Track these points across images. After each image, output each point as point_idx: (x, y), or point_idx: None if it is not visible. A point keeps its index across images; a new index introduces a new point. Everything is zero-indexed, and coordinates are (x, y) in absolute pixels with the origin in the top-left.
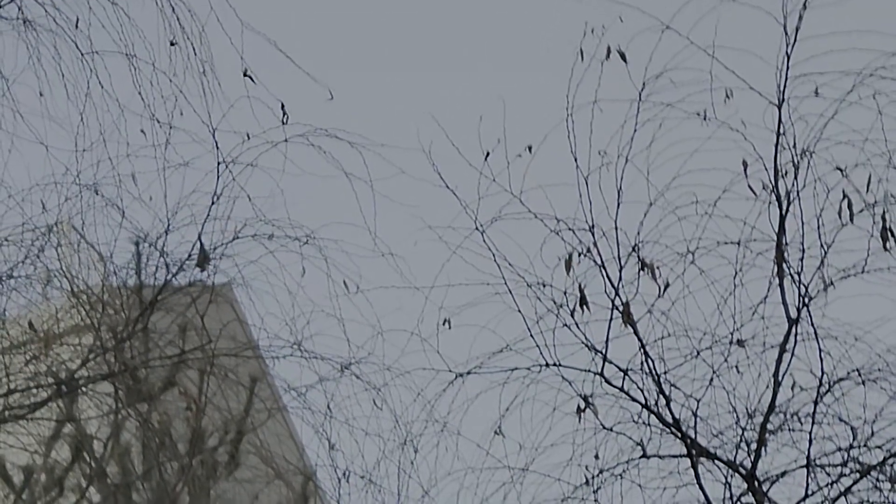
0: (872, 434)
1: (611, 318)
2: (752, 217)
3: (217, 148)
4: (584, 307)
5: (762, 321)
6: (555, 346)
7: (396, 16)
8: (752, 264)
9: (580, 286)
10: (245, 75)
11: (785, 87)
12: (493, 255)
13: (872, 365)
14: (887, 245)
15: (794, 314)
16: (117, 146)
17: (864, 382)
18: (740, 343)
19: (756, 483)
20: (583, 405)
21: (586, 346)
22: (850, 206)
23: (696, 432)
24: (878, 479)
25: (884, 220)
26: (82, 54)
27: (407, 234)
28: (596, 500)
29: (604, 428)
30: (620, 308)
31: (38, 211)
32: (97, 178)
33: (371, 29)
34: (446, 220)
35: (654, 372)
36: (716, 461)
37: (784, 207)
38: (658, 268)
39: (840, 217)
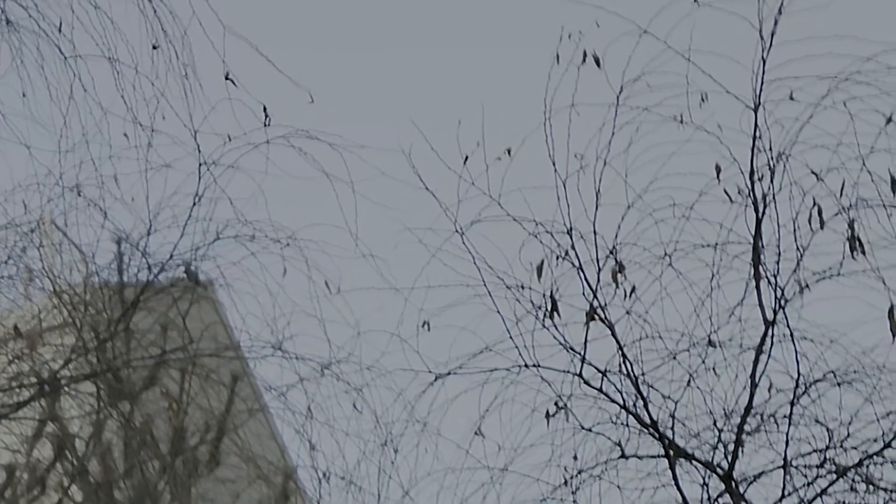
0: (848, 435)
1: (588, 321)
2: (728, 220)
3: (198, 150)
4: (556, 313)
5: (739, 323)
6: (534, 347)
7: (376, 19)
8: (728, 267)
9: (552, 293)
10: (227, 79)
11: (761, 91)
12: (473, 258)
13: (848, 367)
14: (855, 254)
15: (770, 316)
16: (100, 148)
17: (839, 384)
18: (715, 344)
19: (733, 484)
20: (553, 409)
21: (565, 347)
22: (820, 213)
23: (673, 433)
24: (854, 480)
25: (852, 228)
26: (66, 58)
27: (387, 235)
28: (574, 501)
29: (582, 429)
30: (595, 309)
31: (20, 211)
32: (80, 179)
33: (351, 32)
34: (426, 222)
35: (631, 373)
36: (693, 462)
37: (760, 211)
38: (624, 273)
39: (810, 224)
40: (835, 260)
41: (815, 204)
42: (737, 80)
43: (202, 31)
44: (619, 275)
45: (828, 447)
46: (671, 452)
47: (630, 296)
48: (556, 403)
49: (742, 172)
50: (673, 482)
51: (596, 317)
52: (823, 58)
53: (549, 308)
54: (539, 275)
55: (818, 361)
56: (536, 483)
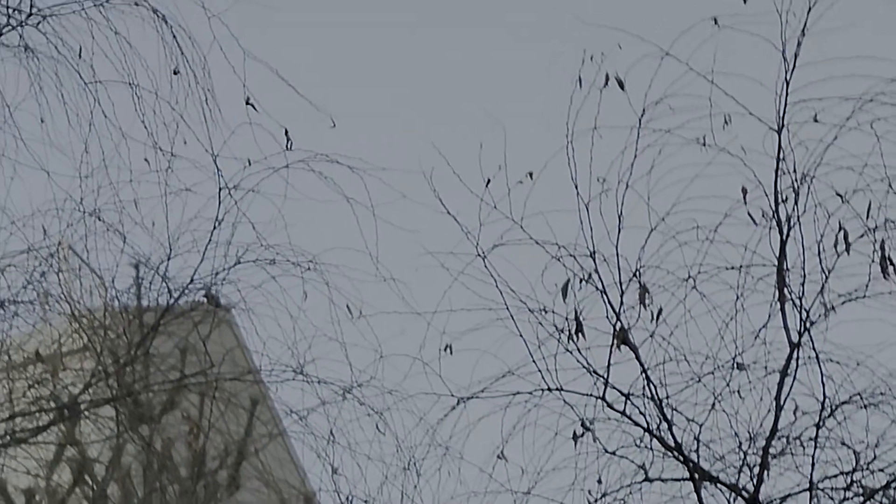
0: (875, 458)
1: (612, 344)
2: (752, 242)
3: (219, 174)
4: (581, 335)
5: (764, 346)
6: (556, 370)
7: (397, 42)
8: (753, 289)
9: (577, 314)
10: (247, 103)
11: (784, 112)
12: (495, 281)
13: (874, 389)
14: (887, 274)
15: (795, 338)
16: (119, 173)
17: (866, 406)
18: (741, 367)
19: None
20: (580, 430)
21: (588, 370)
22: (846, 237)
23: (698, 456)
24: (881, 503)
25: (883, 248)
26: (85, 83)
27: (409, 259)
28: None
29: (606, 452)
30: (623, 331)
31: (40, 236)
32: (99, 203)
33: (372, 56)
34: (448, 245)
35: (655, 396)
36: (718, 485)
37: (784, 233)
38: (650, 294)
39: (836, 248)
40: (860, 282)
41: (840, 228)
42: (760, 101)
43: (222, 56)
44: (646, 296)
45: (854, 470)
46: (696, 475)
47: (657, 318)
48: (582, 424)
49: (766, 194)
50: None
51: (625, 342)
52: (847, 79)
53: (574, 329)
54: (564, 295)
55: (844, 384)
56: None
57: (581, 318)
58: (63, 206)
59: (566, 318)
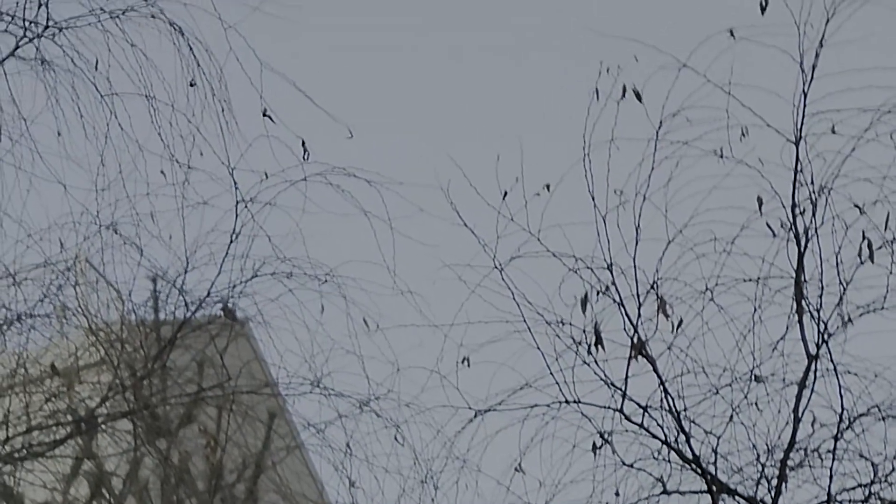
0: (893, 470)
1: (629, 356)
2: (770, 254)
3: (235, 187)
4: (600, 346)
5: (781, 358)
6: (574, 383)
7: (414, 55)
8: (770, 301)
9: (596, 326)
10: (264, 115)
11: (802, 124)
12: (512, 294)
13: (893, 401)
14: None
15: (813, 350)
16: (136, 185)
17: (884, 418)
18: (759, 379)
19: None
20: (599, 442)
21: (605, 383)
22: (869, 245)
23: (716, 468)
24: None
25: None
26: (102, 96)
27: (426, 272)
28: None
29: (624, 464)
30: (642, 343)
31: (56, 250)
32: (116, 216)
33: (389, 68)
34: (465, 258)
35: (673, 409)
36: (736, 497)
37: (802, 244)
38: (671, 305)
39: (860, 256)
40: (878, 293)
41: (863, 237)
42: (778, 113)
43: (239, 68)
44: (668, 307)
45: (872, 482)
46: (714, 488)
47: (677, 330)
48: (601, 436)
49: (784, 206)
50: None
51: (642, 352)
52: (865, 90)
53: (593, 340)
54: (584, 308)
55: (862, 396)
56: None
57: (601, 330)
58: (80, 219)
59: (583, 331)
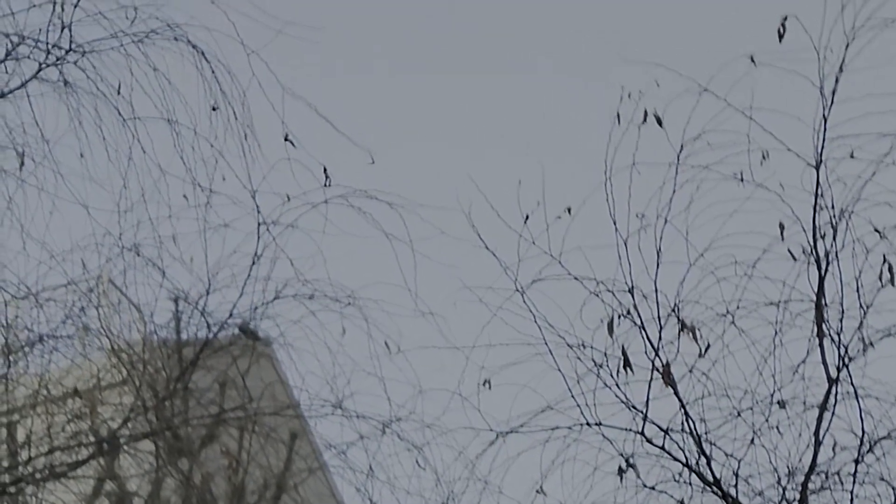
0: None
1: (651, 379)
2: (791, 278)
3: (257, 209)
4: (628, 369)
5: (802, 381)
6: (595, 405)
7: (435, 78)
8: (791, 325)
9: (623, 348)
10: (286, 139)
11: (822, 148)
12: (534, 316)
13: None
14: None
15: (834, 374)
16: (158, 208)
17: None
18: (781, 403)
19: None
20: (624, 466)
21: (627, 406)
22: (890, 269)
23: (737, 491)
24: None
25: None
26: (124, 119)
27: (447, 294)
28: None
29: (645, 487)
30: (661, 369)
31: (79, 271)
32: (138, 238)
33: (410, 92)
34: (486, 281)
35: (694, 432)
36: None
37: (823, 268)
38: (698, 329)
39: (881, 280)
40: None
41: (884, 261)
42: (798, 137)
43: (261, 92)
44: (695, 332)
45: None
46: None
47: (703, 353)
48: (626, 460)
49: (804, 230)
50: None
51: (667, 376)
52: (885, 115)
53: (621, 363)
54: (611, 332)
55: (883, 419)
56: None
57: (627, 353)
58: (102, 240)
59: (605, 353)
